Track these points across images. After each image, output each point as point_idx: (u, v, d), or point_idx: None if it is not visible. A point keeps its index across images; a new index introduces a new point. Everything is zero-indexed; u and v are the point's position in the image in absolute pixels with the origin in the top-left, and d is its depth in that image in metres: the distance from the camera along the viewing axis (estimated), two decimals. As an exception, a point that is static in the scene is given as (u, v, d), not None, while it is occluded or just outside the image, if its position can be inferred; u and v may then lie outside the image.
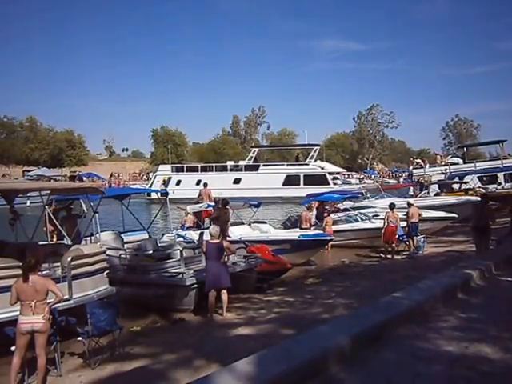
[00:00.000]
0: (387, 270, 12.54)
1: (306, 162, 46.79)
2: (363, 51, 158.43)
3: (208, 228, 11.26)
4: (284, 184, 43.48)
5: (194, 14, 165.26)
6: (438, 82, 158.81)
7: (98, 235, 10.58)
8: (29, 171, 59.52)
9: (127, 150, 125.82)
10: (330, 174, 45.29)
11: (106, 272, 8.92)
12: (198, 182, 40.51)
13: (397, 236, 15.20)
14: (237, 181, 44.13)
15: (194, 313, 9.50)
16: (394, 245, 15.20)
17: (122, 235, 12.00)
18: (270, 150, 79.40)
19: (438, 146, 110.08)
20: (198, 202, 17.60)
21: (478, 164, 33.81)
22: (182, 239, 13.58)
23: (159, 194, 14.53)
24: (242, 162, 49.62)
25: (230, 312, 9.15)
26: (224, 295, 9.07)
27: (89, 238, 10.94)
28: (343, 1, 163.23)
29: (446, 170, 33.86)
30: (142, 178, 73.52)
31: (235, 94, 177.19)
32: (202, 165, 50.52)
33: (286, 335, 6.58)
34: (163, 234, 14.74)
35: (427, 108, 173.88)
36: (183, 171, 46.51)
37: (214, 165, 49.28)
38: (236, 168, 47.29)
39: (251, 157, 48.54)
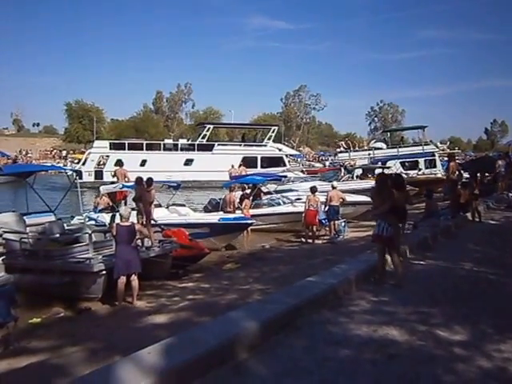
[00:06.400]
0: (307, 255, 12.52)
1: (264, 143, 42.33)
2: (290, 31, 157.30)
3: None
4: (241, 166, 37.23)
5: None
6: (364, 66, 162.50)
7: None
8: None
9: (38, 125, 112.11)
10: (286, 156, 42.40)
11: (1, 258, 8.07)
12: (143, 163, 36.94)
13: (318, 220, 15.22)
14: (188, 162, 39.72)
15: (102, 301, 8.89)
16: (314, 229, 15.24)
17: (24, 217, 10.99)
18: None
19: (365, 130, 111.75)
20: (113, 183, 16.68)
21: (400, 149, 33.95)
22: (93, 222, 12.77)
23: (68, 172, 13.23)
24: (182, 141, 44.68)
25: (140, 300, 8.64)
26: (134, 281, 8.55)
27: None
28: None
29: (369, 154, 34.60)
30: (54, 157, 68.01)
31: (159, 69, 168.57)
32: (148, 142, 44.30)
33: (198, 322, 6.24)
34: (72, 217, 13.76)
35: (354, 92, 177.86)
36: (124, 149, 39.82)
37: (161, 143, 43.05)
38: (187, 147, 42.13)
39: (204, 135, 42.07)
